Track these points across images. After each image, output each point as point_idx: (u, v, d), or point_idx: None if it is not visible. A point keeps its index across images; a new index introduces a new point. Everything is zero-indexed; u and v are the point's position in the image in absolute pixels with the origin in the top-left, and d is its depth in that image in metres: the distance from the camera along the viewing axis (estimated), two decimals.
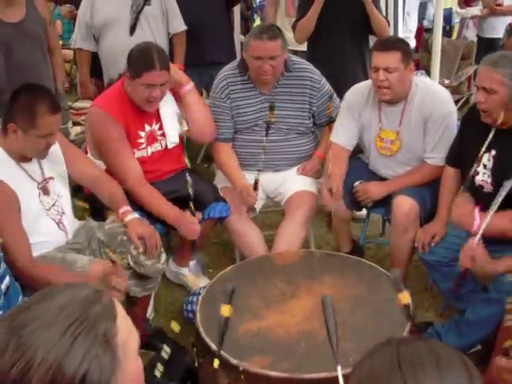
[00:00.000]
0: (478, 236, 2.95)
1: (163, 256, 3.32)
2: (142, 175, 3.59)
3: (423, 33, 7.90)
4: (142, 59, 3.50)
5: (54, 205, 3.14)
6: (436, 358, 1.16)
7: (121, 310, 1.21)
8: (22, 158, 3.01)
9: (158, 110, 3.73)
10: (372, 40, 4.61)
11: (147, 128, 3.72)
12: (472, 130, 3.29)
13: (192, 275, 4.04)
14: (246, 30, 6.41)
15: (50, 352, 1.07)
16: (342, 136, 3.82)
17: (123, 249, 3.20)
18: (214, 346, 2.50)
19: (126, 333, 1.19)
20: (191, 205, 3.62)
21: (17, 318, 1.13)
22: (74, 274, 2.89)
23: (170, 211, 3.52)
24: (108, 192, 3.37)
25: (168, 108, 3.80)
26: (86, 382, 1.08)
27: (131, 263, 3.20)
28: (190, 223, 3.49)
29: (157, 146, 3.78)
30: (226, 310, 2.65)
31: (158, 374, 2.98)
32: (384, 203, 3.78)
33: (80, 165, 3.37)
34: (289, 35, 4.74)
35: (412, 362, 1.15)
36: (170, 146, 3.79)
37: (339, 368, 1.80)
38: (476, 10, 7.29)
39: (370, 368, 1.20)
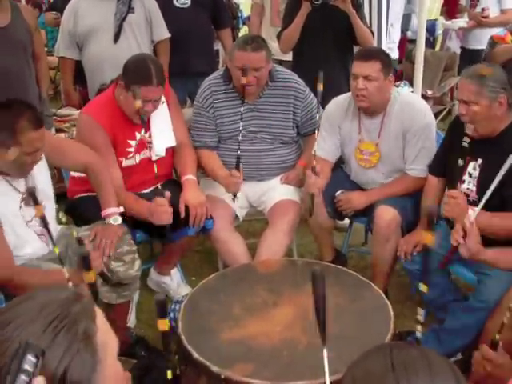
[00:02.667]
0: (473, 216, 2.97)
1: (137, 262, 3.31)
2: (121, 184, 3.59)
3: (407, 44, 7.96)
4: (139, 72, 3.47)
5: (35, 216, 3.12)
6: (427, 361, 1.21)
7: (100, 313, 1.24)
8: (4, 173, 2.95)
9: (148, 118, 3.69)
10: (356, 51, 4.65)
11: (137, 136, 3.71)
12: (457, 139, 3.33)
13: (173, 283, 4.04)
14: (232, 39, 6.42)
15: None
16: (324, 148, 3.84)
17: None
18: (195, 354, 2.51)
19: (105, 334, 1.21)
20: (159, 186, 3.59)
21: (2, 314, 1.16)
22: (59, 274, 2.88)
23: (141, 207, 3.51)
24: (98, 184, 3.36)
25: (160, 118, 3.77)
26: (67, 376, 1.10)
27: (104, 270, 3.18)
28: (160, 207, 3.44)
29: (146, 153, 3.77)
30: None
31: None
32: (366, 213, 3.79)
33: (68, 153, 3.34)
34: (274, 45, 4.78)
35: (405, 365, 1.20)
36: (154, 158, 3.75)
37: (325, 350, 1.81)
38: (462, 22, 7.33)
39: (364, 369, 1.24)
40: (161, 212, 3.43)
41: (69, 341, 1.13)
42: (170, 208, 3.45)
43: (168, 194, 3.45)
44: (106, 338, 1.21)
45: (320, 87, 3.48)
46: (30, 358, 1.03)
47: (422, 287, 2.93)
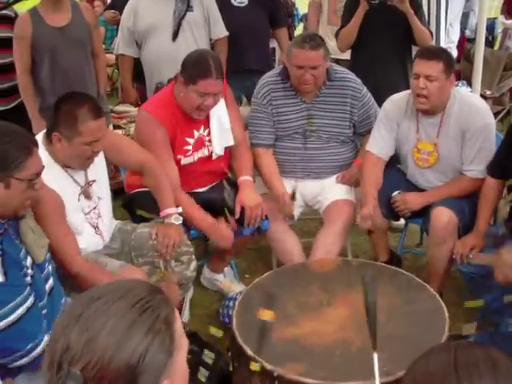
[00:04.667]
0: None
1: (193, 263, 3.34)
2: (178, 182, 3.61)
3: (465, 43, 7.84)
4: (198, 66, 3.51)
5: (94, 208, 3.18)
6: (492, 364, 1.19)
7: (176, 310, 1.28)
8: (66, 165, 3.04)
9: (208, 116, 3.73)
10: (415, 51, 4.60)
11: (196, 134, 3.73)
12: None
13: (227, 281, 4.06)
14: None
15: (119, 321, 1.15)
16: (379, 146, 3.82)
17: (155, 253, 3.23)
18: (249, 351, 2.52)
19: (181, 329, 1.25)
20: (226, 211, 3.63)
21: (91, 293, 1.22)
22: (116, 276, 2.92)
23: (202, 220, 3.55)
24: (156, 186, 3.40)
25: (219, 116, 3.79)
26: (147, 354, 1.14)
27: (162, 267, 3.23)
28: (222, 231, 3.51)
29: (204, 151, 3.80)
30: (266, 315, 2.63)
31: (202, 378, 2.97)
32: (422, 214, 3.75)
33: (126, 151, 3.40)
34: (331, 43, 4.77)
35: (468, 366, 1.18)
36: (214, 157, 3.80)
37: (375, 355, 1.80)
38: None
39: (426, 368, 1.22)
40: (222, 238, 3.55)
41: (153, 320, 1.18)
42: (231, 234, 3.53)
43: (234, 223, 3.58)
44: (182, 334, 1.25)
45: None
46: None
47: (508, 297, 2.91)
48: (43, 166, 2.44)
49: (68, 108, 2.91)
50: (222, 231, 3.53)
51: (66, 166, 3.03)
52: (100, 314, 1.16)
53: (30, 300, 2.32)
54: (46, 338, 2.35)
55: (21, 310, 2.26)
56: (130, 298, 1.19)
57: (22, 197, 2.37)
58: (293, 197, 3.73)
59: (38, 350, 2.31)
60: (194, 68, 3.51)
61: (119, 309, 1.17)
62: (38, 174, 2.41)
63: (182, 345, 1.23)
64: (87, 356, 1.12)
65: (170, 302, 1.26)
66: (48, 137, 2.97)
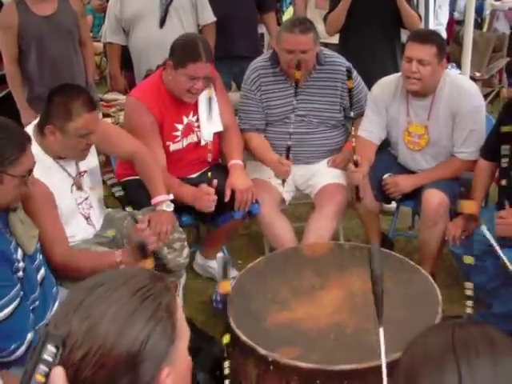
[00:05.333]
0: None
1: (186, 250, 3.34)
2: (165, 168, 3.62)
3: (454, 25, 7.83)
4: (188, 49, 3.50)
5: (85, 199, 3.18)
6: (490, 342, 1.18)
7: (178, 298, 1.31)
8: (58, 157, 3.03)
9: (196, 102, 3.73)
10: (404, 33, 4.60)
11: (185, 120, 3.73)
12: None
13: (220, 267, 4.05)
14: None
15: (120, 309, 1.15)
16: (369, 130, 3.82)
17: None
18: (243, 337, 2.52)
19: (182, 317, 1.24)
20: (209, 174, 3.58)
21: (92, 280, 1.22)
22: (108, 256, 2.96)
23: (184, 190, 3.57)
24: (146, 174, 3.40)
25: (207, 102, 3.77)
26: (149, 341, 1.14)
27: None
28: (205, 194, 3.50)
29: (193, 137, 3.79)
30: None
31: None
32: (413, 196, 3.76)
33: (116, 141, 3.39)
34: (319, 27, 4.72)
35: (466, 345, 1.17)
36: (202, 142, 3.79)
37: (381, 330, 1.81)
38: None
39: (423, 347, 1.22)
40: (205, 199, 3.48)
41: (154, 308, 1.17)
42: (215, 196, 3.49)
43: (215, 182, 3.49)
44: (183, 322, 1.24)
45: None
46: (50, 348, 1.08)
47: (467, 259, 2.95)
48: (35, 163, 2.45)
49: (62, 101, 2.89)
50: (205, 196, 3.51)
51: (57, 158, 3.02)
52: (101, 301, 1.16)
53: (17, 300, 2.32)
54: (29, 335, 2.36)
55: (7, 311, 2.27)
56: (132, 286, 1.19)
57: (14, 192, 2.39)
58: (287, 154, 3.73)
59: (22, 348, 2.32)
60: (183, 51, 3.51)
61: (121, 296, 1.17)
62: (31, 171, 2.43)
63: (184, 333, 1.22)
64: (88, 343, 1.11)
65: (171, 290, 1.25)
66: (40, 129, 2.95)
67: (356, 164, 3.57)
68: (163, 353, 1.16)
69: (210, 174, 3.58)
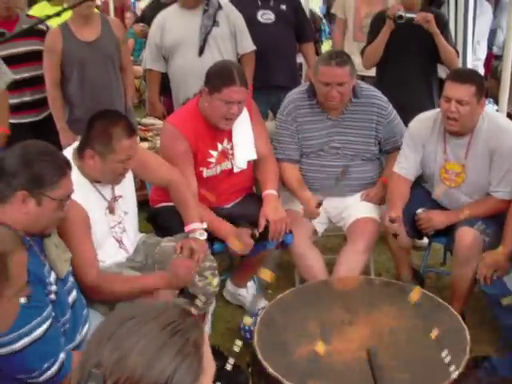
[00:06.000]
0: None
1: (216, 280, 3.33)
2: (196, 194, 3.64)
3: (492, 60, 7.79)
4: (222, 75, 3.55)
5: (118, 222, 3.22)
6: None
7: (205, 333, 1.30)
8: (95, 180, 3.08)
9: (231, 130, 3.76)
10: (440, 69, 4.61)
11: (219, 147, 3.75)
12: None
13: (249, 296, 4.07)
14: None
15: (150, 342, 1.18)
16: (405, 166, 3.81)
17: None
18: (270, 369, 2.53)
19: (208, 351, 1.27)
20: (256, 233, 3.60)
21: (124, 312, 1.26)
22: (140, 280, 2.99)
23: (221, 224, 3.59)
24: (181, 202, 3.44)
25: (242, 129, 3.81)
26: (175, 376, 1.17)
27: None
28: (242, 237, 3.52)
29: (227, 165, 3.82)
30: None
31: None
32: (446, 233, 3.74)
33: (153, 168, 3.44)
34: (356, 60, 4.75)
35: None
36: (235, 170, 3.83)
37: None
38: None
39: None
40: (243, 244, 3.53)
41: (182, 343, 1.20)
42: (252, 242, 3.53)
43: (256, 233, 3.55)
44: (209, 356, 1.27)
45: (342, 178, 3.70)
46: None
47: (506, 300, 2.92)
48: (73, 190, 2.51)
49: (103, 126, 2.95)
50: (242, 237, 3.52)
51: (94, 181, 3.07)
52: (132, 333, 1.19)
53: (49, 321, 2.34)
54: (62, 355, 2.38)
55: (40, 330, 2.29)
56: (162, 320, 1.22)
57: (51, 216, 2.43)
58: (319, 205, 3.73)
59: (55, 368, 2.34)
60: (218, 77, 3.56)
61: (151, 330, 1.20)
62: (69, 196, 2.48)
63: (209, 367, 1.25)
64: (117, 373, 1.15)
65: (200, 326, 1.28)
66: (80, 153, 3.01)
67: (393, 221, 3.56)
68: None
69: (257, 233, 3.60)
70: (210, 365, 1.25)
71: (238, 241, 3.51)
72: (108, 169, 2.98)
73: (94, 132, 2.95)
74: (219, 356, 3.44)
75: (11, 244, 1.72)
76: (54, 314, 2.40)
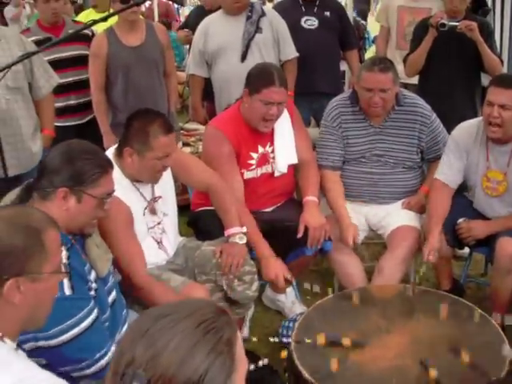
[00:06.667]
0: None
1: (255, 284, 3.35)
2: (242, 196, 3.66)
3: None
4: (261, 76, 3.59)
5: (158, 223, 3.26)
6: None
7: (239, 332, 1.32)
8: (135, 180, 3.13)
9: (272, 133, 3.78)
10: (484, 77, 4.56)
11: (260, 150, 3.78)
12: None
13: (288, 302, 4.07)
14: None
15: (183, 340, 1.20)
16: (448, 173, 3.77)
17: (218, 271, 3.27)
18: (306, 375, 2.53)
19: (241, 350, 1.29)
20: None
21: (159, 310, 1.28)
22: (178, 296, 2.97)
23: (261, 246, 3.54)
24: (221, 206, 3.44)
25: (283, 133, 3.83)
26: (208, 373, 1.19)
27: (224, 286, 3.28)
28: (274, 273, 3.46)
29: (268, 168, 3.84)
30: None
31: None
32: (487, 243, 3.69)
33: (193, 171, 3.47)
34: (399, 67, 4.73)
35: None
36: (276, 174, 3.84)
37: None
38: None
39: None
40: (275, 276, 3.47)
41: (216, 341, 1.22)
42: (283, 286, 3.52)
43: (291, 279, 3.51)
44: (242, 354, 1.29)
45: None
46: None
47: None
48: (114, 189, 2.54)
49: (140, 124, 3.01)
50: (272, 272, 3.47)
51: (134, 181, 3.12)
52: (166, 331, 1.21)
53: (95, 313, 2.38)
54: (113, 347, 2.41)
55: (86, 323, 2.32)
56: (196, 318, 1.24)
57: (90, 214, 2.46)
58: (355, 247, 3.74)
59: (106, 358, 2.36)
60: (257, 78, 3.60)
61: (185, 328, 1.22)
62: (110, 195, 2.51)
63: (242, 365, 1.26)
64: (151, 370, 1.17)
65: (233, 324, 1.29)
66: (119, 151, 3.07)
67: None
68: None
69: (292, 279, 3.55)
70: (242, 363, 1.27)
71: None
72: (146, 166, 3.03)
73: (131, 130, 3.02)
74: (254, 359, 3.46)
75: (44, 221, 1.75)
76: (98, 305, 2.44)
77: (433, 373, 2.51)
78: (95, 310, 2.39)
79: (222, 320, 1.26)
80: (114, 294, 2.68)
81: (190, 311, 1.26)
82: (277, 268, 3.46)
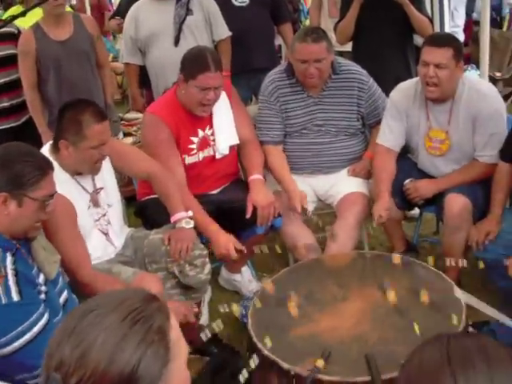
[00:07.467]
0: None
1: (207, 267, 3.34)
2: (184, 181, 3.62)
3: (473, 26, 7.77)
4: (196, 61, 3.55)
5: (103, 215, 3.21)
6: (486, 355, 1.16)
7: (173, 316, 1.28)
8: (75, 173, 3.08)
9: (211, 116, 3.75)
10: (417, 37, 4.57)
11: (200, 134, 3.75)
12: None
13: (244, 281, 4.06)
14: (293, 32, 6.40)
15: (110, 336, 1.16)
16: (390, 137, 3.79)
17: (168, 258, 3.24)
18: (265, 351, 2.52)
19: (179, 336, 1.25)
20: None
21: (84, 305, 1.24)
22: (129, 286, 2.94)
23: (209, 226, 3.50)
24: (163, 193, 3.40)
25: (222, 115, 3.80)
26: (140, 366, 1.15)
27: (176, 272, 3.26)
28: (223, 246, 3.43)
29: (209, 151, 3.81)
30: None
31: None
32: (436, 201, 3.72)
33: (132, 161, 3.43)
34: (333, 36, 4.75)
35: (462, 359, 1.16)
36: (217, 156, 3.81)
37: None
38: None
39: (419, 362, 1.21)
40: (225, 253, 3.45)
41: (145, 331, 1.18)
42: (235, 256, 3.45)
43: (244, 250, 3.47)
44: (179, 340, 1.25)
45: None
46: None
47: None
48: (56, 191, 2.49)
49: (72, 114, 2.98)
50: (222, 246, 3.44)
51: (74, 174, 3.08)
52: (92, 327, 1.17)
53: (45, 317, 2.34)
54: None
55: (37, 328, 2.28)
56: (122, 310, 1.20)
57: (32, 217, 2.41)
58: (305, 213, 3.71)
59: None
60: (192, 64, 3.55)
61: (110, 322, 1.18)
62: (51, 196, 2.45)
63: (180, 352, 1.23)
64: (81, 370, 1.14)
65: (165, 310, 1.26)
66: (55, 145, 3.03)
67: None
68: (157, 375, 1.17)
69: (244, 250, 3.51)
70: (181, 350, 1.24)
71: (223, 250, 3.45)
72: (83, 157, 2.99)
73: (64, 122, 2.99)
74: (217, 343, 3.45)
75: None
76: (48, 309, 2.40)
77: (392, 295, 2.63)
78: (46, 314, 2.35)
79: (151, 308, 1.23)
80: (65, 294, 2.64)
81: (116, 303, 1.22)
82: (226, 241, 3.43)
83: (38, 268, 2.46)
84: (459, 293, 2.79)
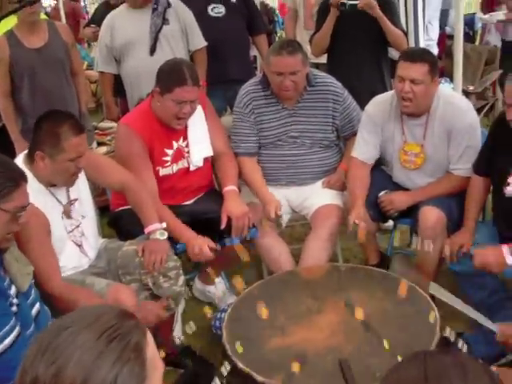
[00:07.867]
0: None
1: (181, 278, 3.31)
2: (156, 193, 3.60)
3: (446, 40, 7.85)
4: (173, 74, 3.52)
5: (77, 226, 3.18)
6: (463, 371, 1.16)
7: (149, 333, 1.27)
8: (49, 184, 3.04)
9: (186, 127, 3.73)
10: (392, 50, 4.60)
11: (174, 145, 3.73)
12: (503, 137, 3.26)
13: (218, 292, 4.04)
14: (268, 44, 6.42)
15: (85, 353, 1.14)
16: (365, 150, 3.80)
17: (142, 270, 3.21)
18: (240, 364, 2.51)
19: (154, 353, 1.24)
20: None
21: (59, 322, 1.22)
22: (103, 300, 2.90)
23: (183, 231, 3.50)
24: (137, 204, 3.37)
25: (197, 127, 3.79)
26: (117, 383, 1.13)
27: (150, 284, 3.23)
28: (197, 246, 3.43)
29: (183, 163, 3.79)
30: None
31: None
32: (410, 214, 3.74)
33: (106, 172, 3.40)
34: (309, 48, 4.76)
35: (439, 376, 1.15)
36: (191, 168, 3.80)
37: None
38: (500, 15, 7.22)
39: (397, 380, 1.20)
40: (199, 253, 3.43)
41: (121, 349, 1.16)
42: (208, 253, 3.43)
43: (218, 248, 3.46)
44: (155, 358, 1.24)
45: None
46: None
47: None
48: (29, 203, 2.44)
49: (49, 126, 2.92)
50: (197, 246, 3.43)
51: (49, 185, 3.04)
52: (67, 345, 1.15)
53: (17, 329, 2.31)
54: None
55: (8, 341, 2.26)
56: (98, 327, 1.18)
57: (4, 229, 2.37)
58: (279, 220, 3.71)
59: None
60: (169, 77, 3.53)
61: (86, 340, 1.16)
62: (23, 208, 2.41)
63: (156, 368, 1.22)
64: None
65: (141, 327, 1.24)
66: (30, 156, 2.98)
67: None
68: None
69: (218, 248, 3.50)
70: (156, 366, 1.22)
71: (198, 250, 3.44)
72: (59, 169, 2.95)
73: (41, 134, 2.93)
74: (191, 356, 3.42)
75: None
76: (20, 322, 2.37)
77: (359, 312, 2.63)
78: (17, 327, 2.32)
79: (128, 325, 1.21)
80: (37, 306, 2.60)
81: (90, 320, 1.20)
82: (199, 241, 3.42)
83: (10, 280, 2.42)
84: (435, 287, 2.80)
